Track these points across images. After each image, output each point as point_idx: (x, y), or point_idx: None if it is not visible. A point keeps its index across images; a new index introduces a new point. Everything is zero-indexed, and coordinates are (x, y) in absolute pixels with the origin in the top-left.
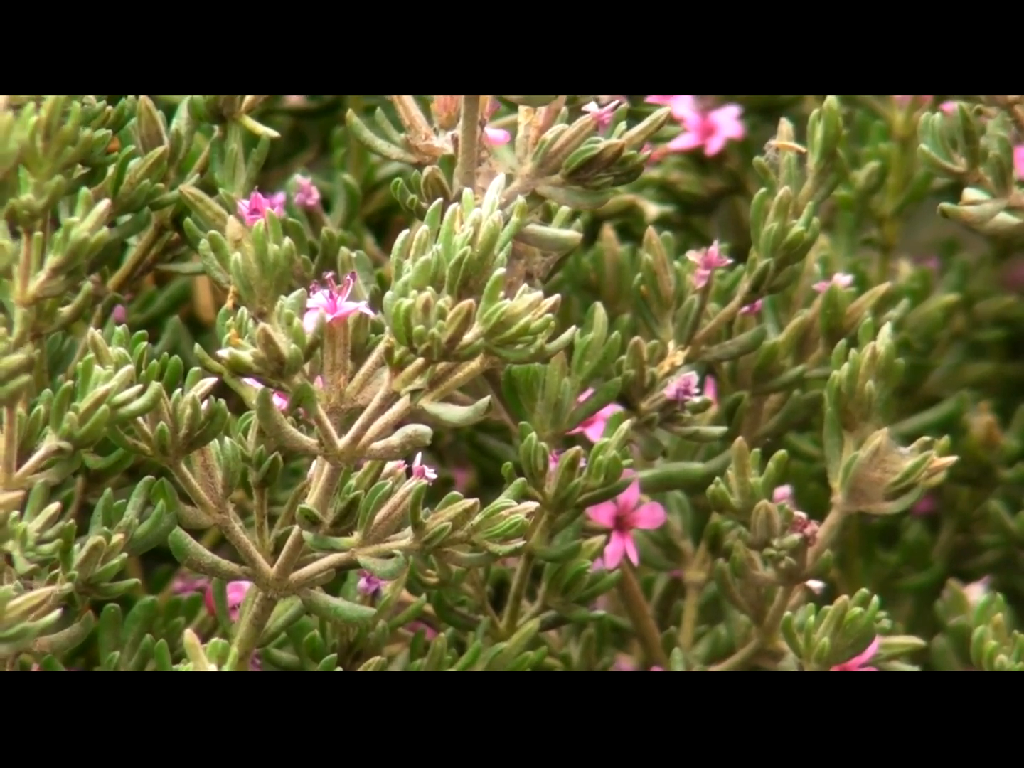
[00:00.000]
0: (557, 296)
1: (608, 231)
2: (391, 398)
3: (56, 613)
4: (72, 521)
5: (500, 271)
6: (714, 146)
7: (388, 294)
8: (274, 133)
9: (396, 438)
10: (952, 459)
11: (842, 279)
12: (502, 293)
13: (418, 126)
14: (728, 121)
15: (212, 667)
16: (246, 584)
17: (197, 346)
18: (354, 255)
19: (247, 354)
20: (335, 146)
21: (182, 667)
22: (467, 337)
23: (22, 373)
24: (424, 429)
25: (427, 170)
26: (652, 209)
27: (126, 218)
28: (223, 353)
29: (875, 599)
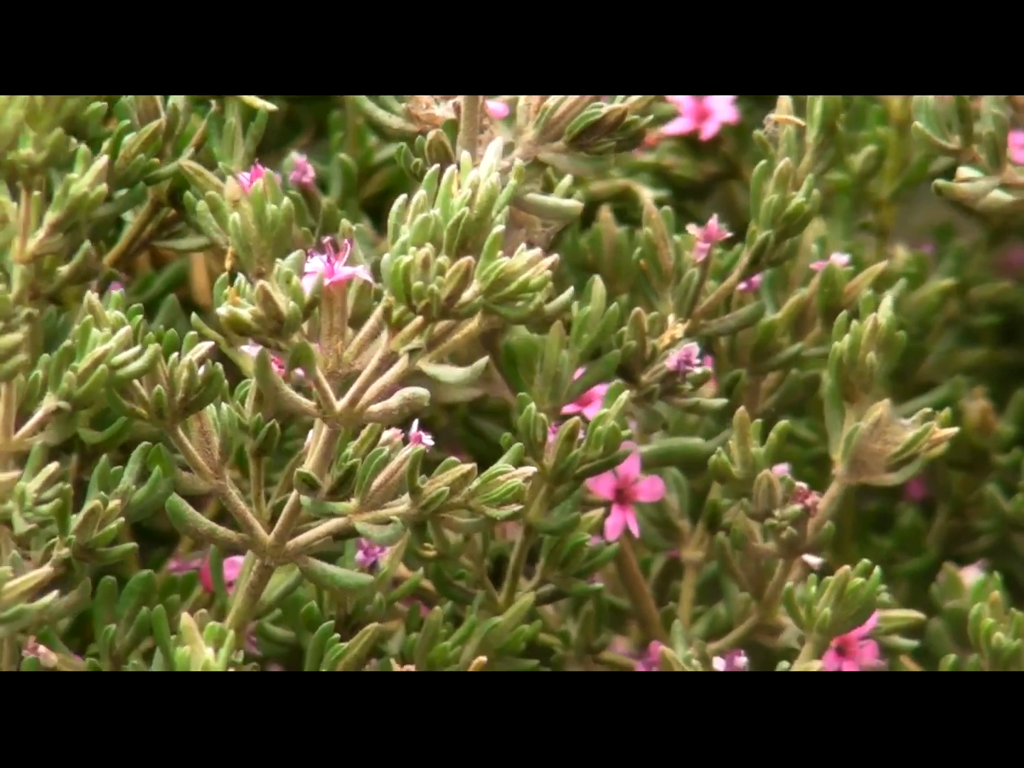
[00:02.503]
0: (556, 255)
1: (605, 212)
2: (389, 359)
3: (53, 594)
4: (70, 485)
5: (499, 228)
6: (709, 130)
7: (385, 256)
8: (272, 107)
9: (394, 400)
10: (954, 430)
11: (840, 258)
12: (500, 253)
13: (419, 95)
14: (723, 106)
15: (209, 650)
16: (242, 559)
17: (194, 315)
18: (355, 228)
19: (246, 312)
20: (332, 129)
21: (179, 650)
22: (466, 294)
23: (18, 352)
24: (422, 391)
25: (431, 133)
26: (647, 193)
27: (122, 192)
28: (222, 311)
29: (876, 570)
